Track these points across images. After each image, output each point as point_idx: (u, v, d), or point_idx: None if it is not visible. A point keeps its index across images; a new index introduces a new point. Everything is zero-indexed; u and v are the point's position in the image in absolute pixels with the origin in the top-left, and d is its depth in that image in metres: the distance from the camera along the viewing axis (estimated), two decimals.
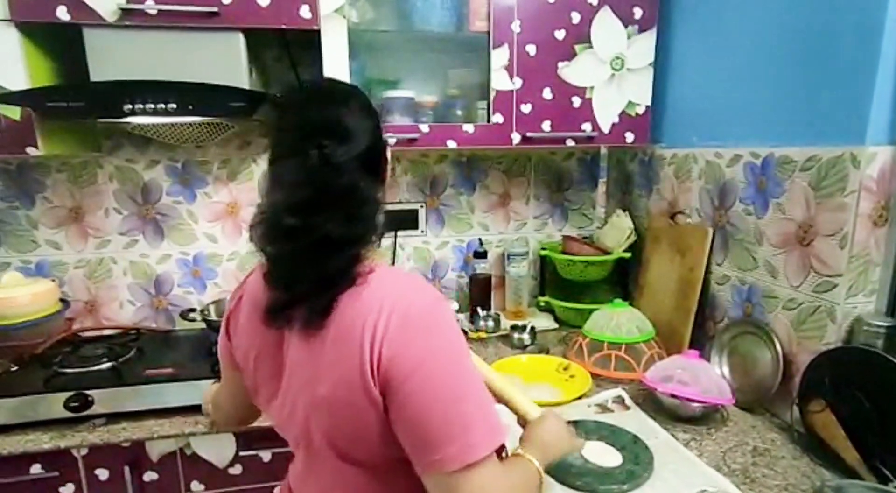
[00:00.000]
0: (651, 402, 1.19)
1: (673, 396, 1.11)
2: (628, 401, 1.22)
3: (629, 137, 1.51)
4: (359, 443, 0.65)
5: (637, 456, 0.98)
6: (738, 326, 1.24)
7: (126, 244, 1.62)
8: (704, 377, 1.12)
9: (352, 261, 0.63)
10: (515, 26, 1.38)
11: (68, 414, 1.14)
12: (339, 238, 0.61)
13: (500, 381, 0.88)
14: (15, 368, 1.29)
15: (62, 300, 1.53)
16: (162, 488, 1.17)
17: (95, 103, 1.11)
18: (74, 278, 1.61)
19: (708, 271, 1.35)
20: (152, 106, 1.11)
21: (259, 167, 1.66)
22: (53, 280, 1.54)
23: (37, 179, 1.53)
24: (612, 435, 1.06)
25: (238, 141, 1.62)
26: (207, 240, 1.66)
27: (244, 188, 1.66)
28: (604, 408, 1.20)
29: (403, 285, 0.64)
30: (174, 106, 1.12)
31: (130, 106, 1.10)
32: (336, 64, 1.32)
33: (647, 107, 1.49)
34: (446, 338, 0.61)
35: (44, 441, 1.10)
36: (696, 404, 1.09)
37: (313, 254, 0.61)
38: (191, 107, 1.13)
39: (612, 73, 1.46)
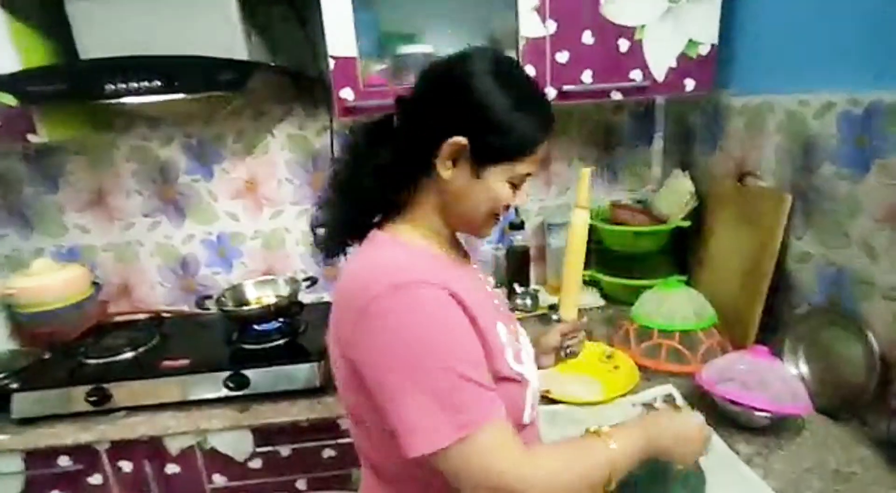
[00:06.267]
0: (708, 403, 1.01)
1: (733, 402, 0.93)
2: (680, 401, 1.06)
3: (689, 85, 1.25)
4: (347, 395, 0.68)
5: (686, 477, 0.83)
6: (820, 315, 1.03)
7: (150, 226, 1.59)
8: (774, 380, 0.94)
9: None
10: None
11: (90, 408, 1.14)
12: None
13: (573, 267, 0.93)
14: (48, 355, 1.31)
15: (95, 284, 1.54)
16: (184, 480, 1.16)
17: (77, 86, 1.02)
18: (105, 261, 1.61)
19: (784, 246, 1.12)
20: (136, 85, 1.01)
21: (276, 139, 1.55)
22: (84, 264, 1.55)
23: (57, 164, 1.51)
24: None
25: (251, 112, 1.52)
26: (229, 219, 1.60)
27: (262, 162, 1.56)
28: (651, 409, 1.04)
29: (372, 266, 0.64)
30: (159, 83, 1.02)
31: (113, 86, 1.01)
32: (338, 17, 1.15)
33: (713, 46, 1.23)
34: (395, 336, 0.58)
35: (67, 435, 1.10)
36: (761, 414, 0.92)
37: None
38: (176, 83, 1.03)
39: (667, 7, 1.20)
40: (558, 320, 0.96)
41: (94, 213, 1.57)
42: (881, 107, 0.88)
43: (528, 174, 0.70)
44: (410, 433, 0.57)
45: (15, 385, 1.15)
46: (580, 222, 0.91)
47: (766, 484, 0.82)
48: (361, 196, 0.70)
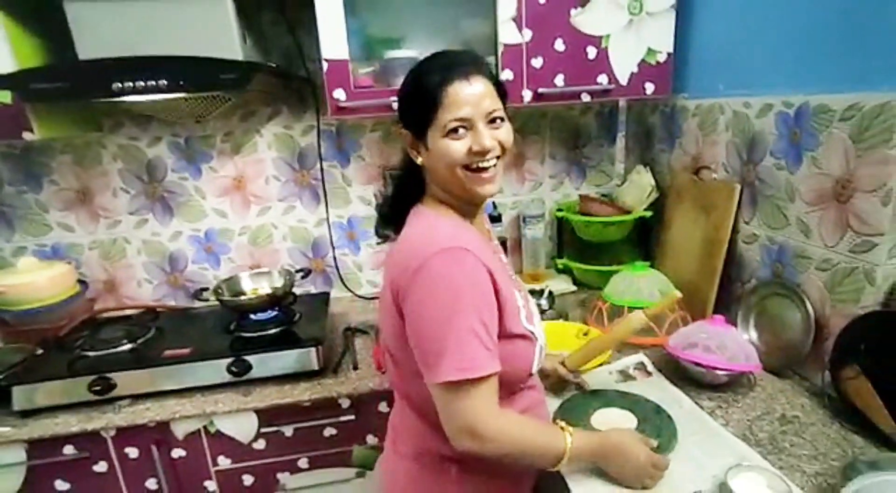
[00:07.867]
0: (674, 368, 1.15)
1: (697, 364, 1.07)
2: (650, 367, 1.19)
3: (649, 88, 1.40)
4: (391, 341, 0.83)
5: (660, 429, 0.96)
6: (766, 287, 1.18)
7: (136, 224, 1.61)
8: (731, 343, 1.08)
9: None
10: None
11: (93, 397, 1.16)
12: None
13: (604, 344, 1.07)
14: (40, 351, 1.31)
15: (81, 282, 1.55)
16: (190, 463, 1.21)
17: (82, 84, 1.06)
18: (90, 259, 1.62)
19: (735, 230, 1.28)
20: (142, 83, 1.06)
21: (263, 138, 1.61)
22: (69, 262, 1.55)
23: (41, 162, 1.51)
24: (634, 406, 1.03)
25: (240, 112, 1.57)
26: (217, 215, 1.64)
27: (249, 161, 1.62)
28: (625, 375, 1.17)
29: (423, 235, 0.79)
30: (164, 82, 1.07)
31: (119, 85, 1.06)
32: (331, 22, 1.23)
33: (669, 54, 1.38)
34: (435, 290, 0.73)
35: (72, 424, 1.13)
36: (721, 372, 1.06)
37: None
38: (181, 82, 1.08)
39: (629, 19, 1.34)
40: (562, 362, 1.08)
41: (78, 211, 1.57)
42: (808, 108, 1.04)
43: (464, 120, 0.76)
44: (427, 365, 0.73)
45: (14, 379, 1.16)
46: (636, 321, 1.02)
47: (727, 431, 0.95)
48: (402, 187, 0.90)
